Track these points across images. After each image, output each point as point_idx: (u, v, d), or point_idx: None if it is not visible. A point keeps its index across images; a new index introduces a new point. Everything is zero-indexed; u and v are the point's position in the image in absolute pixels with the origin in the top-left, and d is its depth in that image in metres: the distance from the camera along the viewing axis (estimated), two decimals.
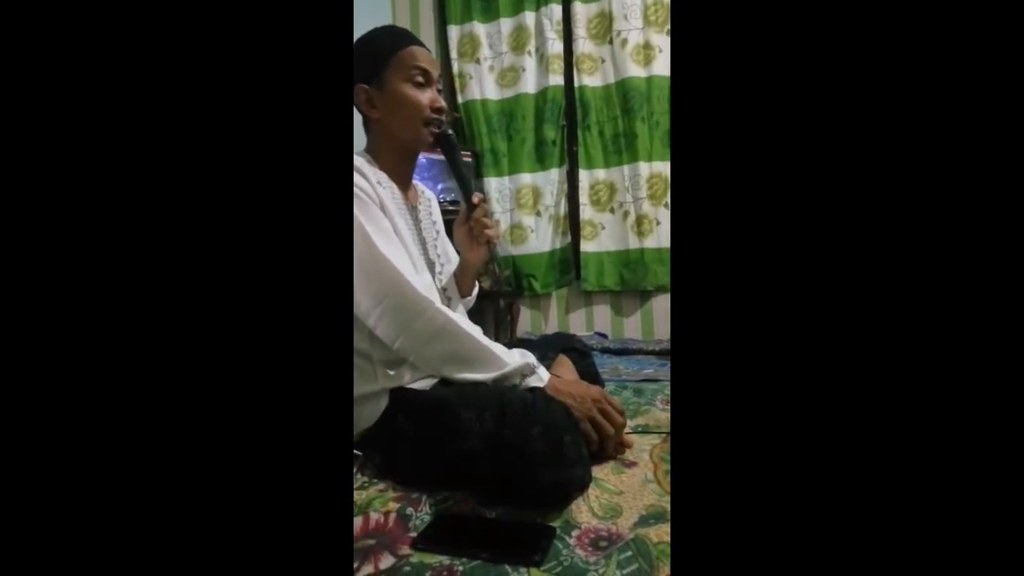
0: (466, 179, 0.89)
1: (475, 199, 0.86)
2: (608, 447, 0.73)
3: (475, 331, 0.76)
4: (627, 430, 0.78)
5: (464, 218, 0.88)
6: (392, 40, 0.82)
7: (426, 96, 0.81)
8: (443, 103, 0.83)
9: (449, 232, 0.98)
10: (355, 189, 0.74)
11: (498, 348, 0.76)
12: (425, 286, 0.76)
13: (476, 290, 1.00)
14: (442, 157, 0.87)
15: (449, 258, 0.97)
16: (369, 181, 0.76)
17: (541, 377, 0.75)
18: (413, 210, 0.88)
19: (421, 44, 0.83)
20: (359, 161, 0.79)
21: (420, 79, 0.80)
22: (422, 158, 0.90)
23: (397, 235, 0.78)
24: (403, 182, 0.88)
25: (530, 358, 0.76)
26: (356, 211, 0.73)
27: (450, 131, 0.85)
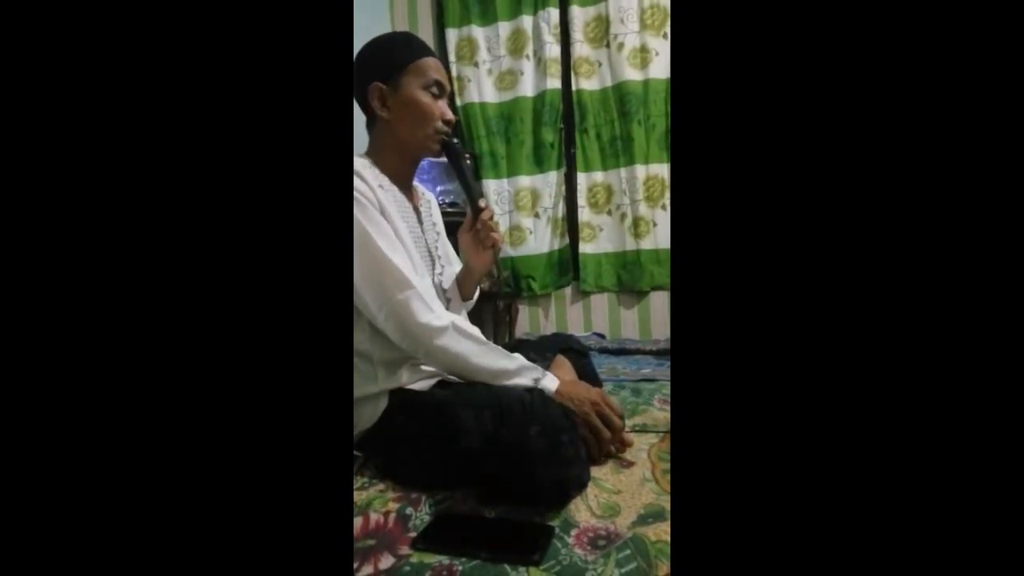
0: (471, 186, 0.90)
1: (481, 204, 0.88)
2: (605, 450, 0.74)
3: (477, 338, 0.77)
4: (625, 429, 0.79)
5: (469, 224, 0.90)
6: (413, 48, 0.84)
7: (438, 106, 0.83)
8: (452, 116, 0.85)
9: (450, 236, 0.99)
10: (355, 192, 0.74)
11: (503, 360, 0.76)
12: (426, 289, 0.77)
13: (477, 293, 1.01)
14: (441, 160, 0.89)
15: (450, 260, 0.98)
16: (369, 185, 0.77)
17: (548, 388, 0.75)
18: (415, 212, 0.89)
19: (437, 57, 0.86)
20: (360, 164, 0.79)
21: (435, 90, 0.83)
22: (423, 161, 0.92)
23: (398, 238, 0.78)
24: (404, 184, 0.88)
25: (537, 372, 0.77)
26: (357, 214, 0.73)
27: (455, 140, 0.86)
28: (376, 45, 0.84)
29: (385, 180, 0.83)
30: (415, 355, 0.76)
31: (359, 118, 0.87)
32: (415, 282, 0.74)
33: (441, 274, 0.90)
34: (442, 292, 0.88)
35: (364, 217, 0.74)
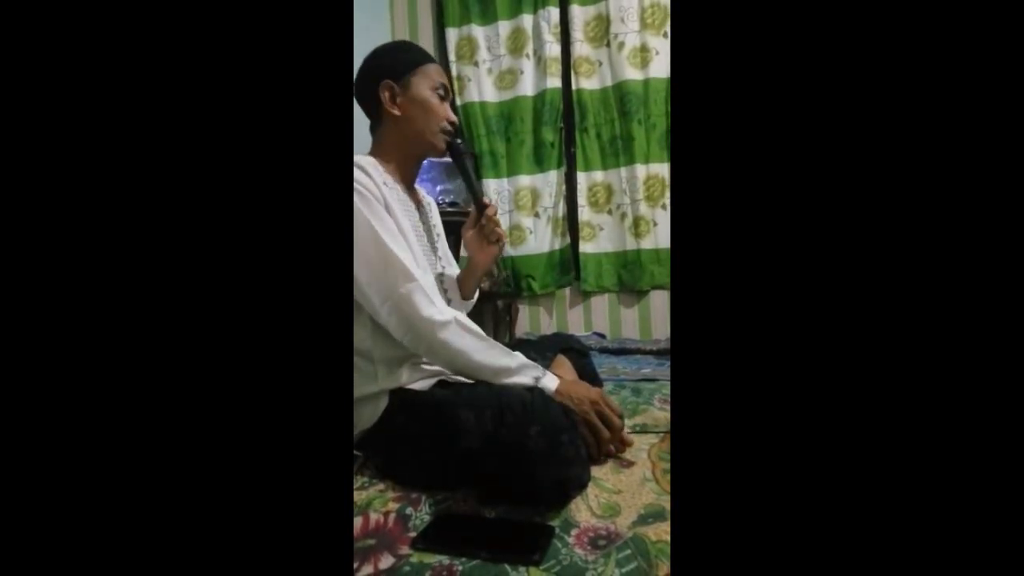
0: (475, 184, 0.94)
1: (485, 200, 0.92)
2: (604, 450, 0.74)
3: (479, 335, 0.77)
4: (625, 430, 0.79)
5: (474, 221, 0.93)
6: (418, 54, 0.90)
7: (443, 107, 0.87)
8: (455, 118, 0.89)
9: (450, 236, 1.00)
10: (360, 188, 0.75)
11: (504, 358, 0.76)
12: (429, 285, 0.77)
13: (476, 294, 1.01)
14: (442, 160, 0.91)
15: (449, 260, 0.99)
16: (375, 181, 0.77)
17: (548, 387, 0.75)
18: (418, 209, 0.90)
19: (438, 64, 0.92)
20: (366, 162, 0.80)
21: (442, 92, 0.87)
22: (423, 161, 0.93)
23: (401, 234, 0.79)
24: (408, 184, 0.90)
25: (537, 371, 0.77)
26: (362, 208, 0.74)
27: (459, 140, 0.90)
28: (382, 51, 0.89)
29: (390, 179, 0.83)
30: (416, 350, 0.76)
31: (361, 122, 0.88)
32: (418, 276, 0.75)
33: (442, 272, 0.91)
34: (443, 290, 0.89)
35: (369, 211, 0.74)
